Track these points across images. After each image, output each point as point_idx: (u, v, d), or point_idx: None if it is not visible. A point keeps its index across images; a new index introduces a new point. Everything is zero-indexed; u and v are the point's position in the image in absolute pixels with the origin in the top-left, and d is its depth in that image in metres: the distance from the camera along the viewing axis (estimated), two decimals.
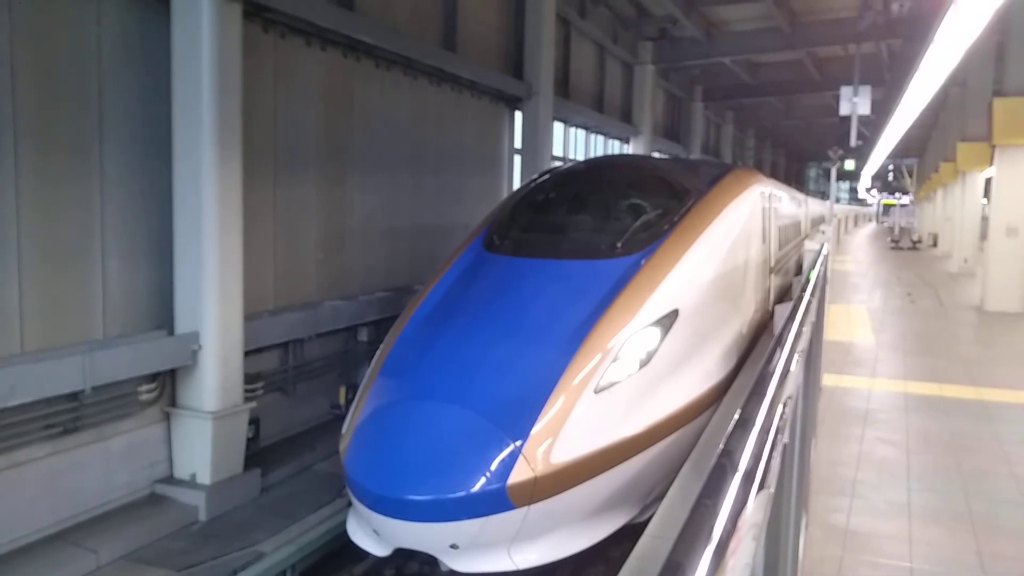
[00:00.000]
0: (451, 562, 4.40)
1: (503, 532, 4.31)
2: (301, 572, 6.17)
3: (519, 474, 4.22)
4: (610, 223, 6.30)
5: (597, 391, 4.67)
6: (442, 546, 4.34)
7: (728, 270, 6.25)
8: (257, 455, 8.25)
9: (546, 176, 7.54)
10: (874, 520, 4.42)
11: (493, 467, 4.22)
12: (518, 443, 4.30)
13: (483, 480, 4.18)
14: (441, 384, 4.78)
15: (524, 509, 4.27)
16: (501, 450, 4.28)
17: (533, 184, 7.33)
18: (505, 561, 4.39)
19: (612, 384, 4.74)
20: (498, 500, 4.20)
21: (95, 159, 6.86)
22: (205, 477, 7.40)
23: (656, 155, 22.77)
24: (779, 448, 1.79)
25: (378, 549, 4.70)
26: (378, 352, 5.53)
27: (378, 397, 4.92)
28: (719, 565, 1.09)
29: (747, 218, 6.99)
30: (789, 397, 2.17)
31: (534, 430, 4.37)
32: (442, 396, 4.67)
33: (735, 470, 1.44)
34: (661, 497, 3.31)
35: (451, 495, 4.16)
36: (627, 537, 4.57)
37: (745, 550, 1.19)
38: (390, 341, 5.51)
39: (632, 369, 4.86)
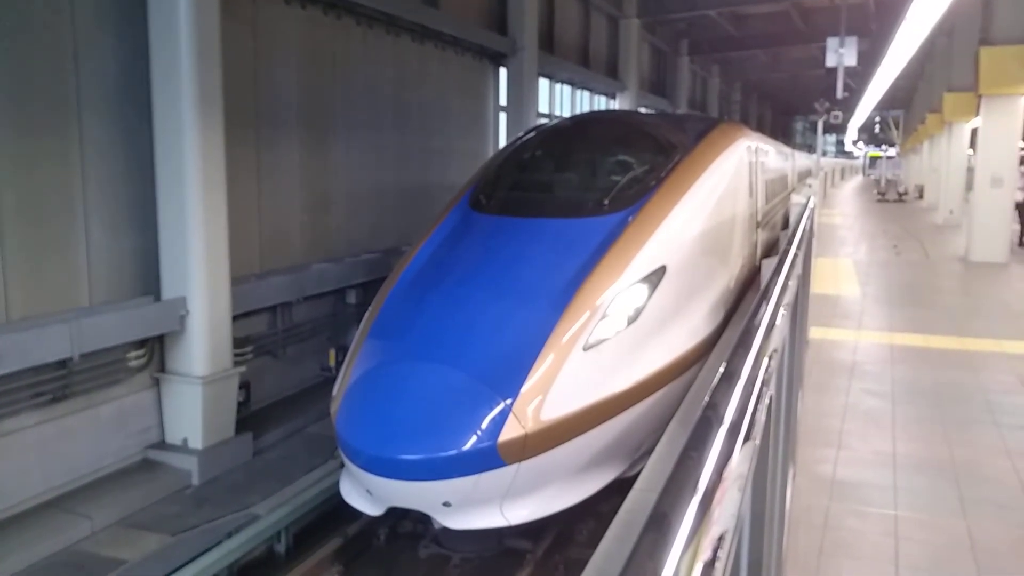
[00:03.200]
0: (444, 520, 4.45)
1: (495, 489, 4.35)
2: (295, 533, 6.22)
3: (510, 431, 4.25)
4: (597, 180, 6.26)
5: (586, 348, 4.68)
6: (435, 504, 4.38)
7: (715, 225, 6.24)
8: (248, 419, 8.27)
9: (532, 134, 7.46)
10: (860, 470, 4.50)
11: (484, 425, 4.25)
12: (508, 401, 4.32)
13: (474, 438, 4.21)
14: (430, 345, 4.78)
15: (515, 466, 4.30)
16: (491, 408, 4.30)
17: (519, 142, 7.26)
18: (497, 518, 4.44)
19: (601, 341, 4.75)
20: (489, 457, 4.23)
21: (73, 124, 6.74)
22: (197, 442, 7.42)
23: (642, 110, 22.61)
24: (764, 401, 1.80)
25: (371, 509, 4.74)
26: (367, 314, 5.52)
27: (368, 359, 4.92)
28: (704, 515, 1.10)
29: (734, 173, 6.96)
30: (775, 350, 2.19)
31: (524, 388, 4.39)
32: (431, 357, 4.67)
33: (720, 423, 1.45)
34: (650, 452, 3.34)
35: (443, 453, 4.19)
36: (617, 492, 4.63)
37: (730, 500, 1.20)
38: (379, 303, 5.49)
39: (620, 326, 4.87)
